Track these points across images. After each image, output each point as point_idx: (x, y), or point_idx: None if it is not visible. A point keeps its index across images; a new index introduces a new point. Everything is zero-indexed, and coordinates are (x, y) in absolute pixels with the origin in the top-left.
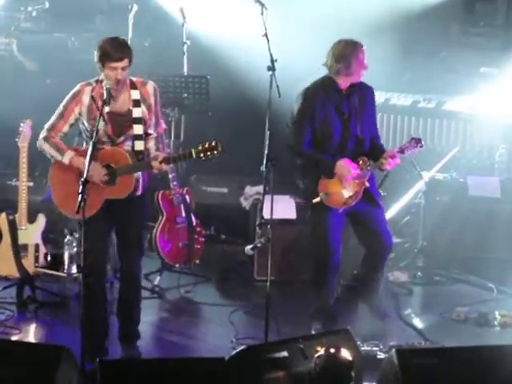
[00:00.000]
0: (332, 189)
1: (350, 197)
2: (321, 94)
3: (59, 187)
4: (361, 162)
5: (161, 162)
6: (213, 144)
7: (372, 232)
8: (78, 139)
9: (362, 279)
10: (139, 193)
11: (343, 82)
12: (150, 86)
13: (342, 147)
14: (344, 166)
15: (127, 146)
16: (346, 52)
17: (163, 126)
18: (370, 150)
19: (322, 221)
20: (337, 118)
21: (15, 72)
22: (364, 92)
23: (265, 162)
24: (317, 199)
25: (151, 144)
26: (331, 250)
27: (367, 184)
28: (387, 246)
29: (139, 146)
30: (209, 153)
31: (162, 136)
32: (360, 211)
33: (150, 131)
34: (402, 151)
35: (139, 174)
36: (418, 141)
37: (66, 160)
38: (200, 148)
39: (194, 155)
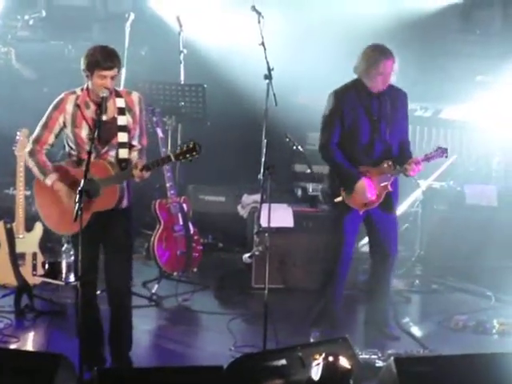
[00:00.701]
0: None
1: (372, 200)
2: (351, 95)
3: (47, 209)
4: (385, 165)
5: (141, 170)
6: (190, 146)
7: (378, 237)
8: (62, 152)
9: (367, 289)
10: (125, 205)
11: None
12: (135, 95)
13: (369, 150)
14: (363, 187)
15: (110, 156)
16: (369, 57)
17: (160, 134)
18: (398, 155)
19: (341, 222)
20: (366, 119)
21: (12, 81)
22: (396, 96)
23: (262, 170)
24: (339, 198)
25: (134, 154)
26: (342, 254)
27: (390, 188)
28: (389, 255)
29: (123, 154)
30: (187, 155)
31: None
32: (374, 214)
33: (134, 142)
34: (427, 159)
35: (124, 185)
36: (444, 150)
37: (48, 182)
38: (178, 152)
39: (172, 159)
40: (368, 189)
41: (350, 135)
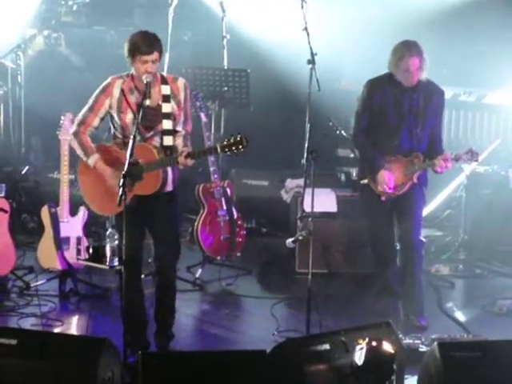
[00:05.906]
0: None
1: (395, 187)
2: (383, 86)
3: (90, 189)
4: (415, 157)
5: (186, 157)
6: (238, 139)
7: (402, 224)
8: (107, 135)
9: (400, 278)
10: (170, 188)
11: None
12: (181, 82)
13: (394, 139)
14: (382, 178)
15: (156, 141)
16: (396, 52)
17: (204, 119)
18: (427, 150)
19: (368, 206)
20: (393, 112)
21: (58, 66)
22: (432, 92)
23: (305, 155)
24: (365, 181)
25: (179, 141)
26: (375, 235)
27: (415, 180)
28: (411, 243)
29: (168, 141)
30: (233, 147)
31: (205, 129)
32: (400, 202)
33: (179, 128)
34: (456, 159)
35: (168, 169)
36: (475, 155)
37: (90, 163)
38: (225, 143)
39: (218, 150)
40: (386, 181)
41: (377, 121)
